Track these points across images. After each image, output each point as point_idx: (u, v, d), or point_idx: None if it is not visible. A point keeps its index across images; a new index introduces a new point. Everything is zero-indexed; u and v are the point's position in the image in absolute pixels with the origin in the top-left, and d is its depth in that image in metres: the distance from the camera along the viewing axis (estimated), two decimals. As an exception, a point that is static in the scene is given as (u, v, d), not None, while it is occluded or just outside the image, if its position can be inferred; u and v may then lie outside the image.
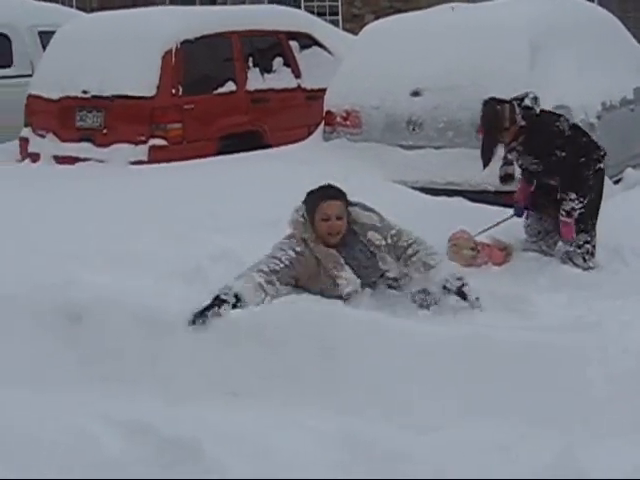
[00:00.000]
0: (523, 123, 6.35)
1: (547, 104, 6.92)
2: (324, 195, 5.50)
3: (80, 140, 10.09)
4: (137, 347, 4.84)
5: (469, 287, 5.45)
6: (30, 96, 10.67)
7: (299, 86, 10.97)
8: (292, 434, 4.12)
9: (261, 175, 8.03)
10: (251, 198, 7.29)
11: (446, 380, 4.44)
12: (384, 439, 4.05)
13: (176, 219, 6.82)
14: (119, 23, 10.61)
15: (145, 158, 9.60)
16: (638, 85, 9.63)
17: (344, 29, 17.06)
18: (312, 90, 10.81)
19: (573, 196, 6.29)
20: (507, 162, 6.57)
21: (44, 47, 11.55)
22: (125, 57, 9.90)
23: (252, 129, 10.42)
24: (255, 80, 10.53)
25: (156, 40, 9.87)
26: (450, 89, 8.41)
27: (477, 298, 5.43)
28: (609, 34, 9.79)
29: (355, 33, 12.23)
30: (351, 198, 5.60)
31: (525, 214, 6.75)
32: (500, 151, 6.51)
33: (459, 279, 5.47)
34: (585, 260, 6.40)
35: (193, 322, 4.89)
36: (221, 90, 10.22)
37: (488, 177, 8.05)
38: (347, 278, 5.40)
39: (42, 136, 10.45)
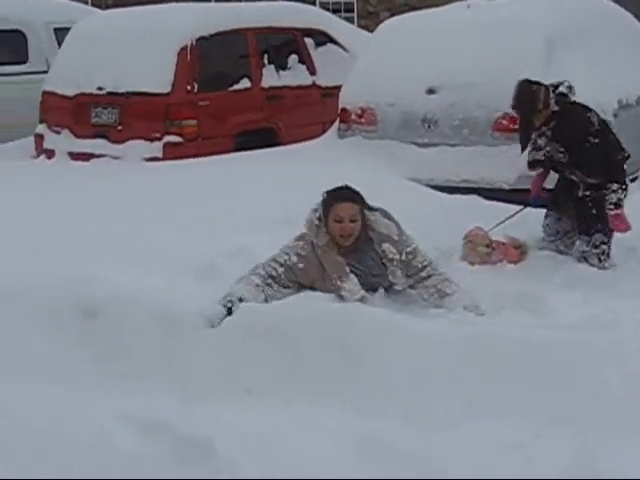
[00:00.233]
0: (556, 108, 6.32)
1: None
2: (339, 196, 5.47)
3: (95, 136, 10.11)
4: (153, 345, 4.85)
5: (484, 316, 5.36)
6: (45, 92, 10.69)
7: (314, 83, 10.96)
8: (307, 434, 4.12)
9: (276, 172, 8.02)
10: (266, 195, 7.28)
11: (462, 379, 4.43)
12: (401, 440, 4.05)
13: (191, 216, 6.82)
14: (134, 20, 10.62)
15: (160, 155, 9.60)
16: (654, 83, 9.59)
17: (359, 26, 17.05)
18: (327, 87, 10.79)
19: (615, 186, 6.24)
20: (536, 147, 6.51)
21: (59, 44, 11.56)
22: (140, 54, 9.90)
23: (267, 126, 10.41)
24: (270, 77, 10.52)
25: (171, 37, 9.88)
26: (466, 87, 8.38)
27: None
28: (625, 31, 9.74)
29: (370, 30, 12.22)
30: (372, 203, 5.56)
31: (544, 214, 6.70)
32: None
33: (477, 306, 5.41)
34: (600, 260, 6.37)
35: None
36: (236, 87, 10.21)
37: (503, 175, 8.07)
38: (350, 290, 5.34)
39: (57, 132, 10.48)
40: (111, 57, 10.08)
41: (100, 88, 10.08)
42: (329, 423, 4.21)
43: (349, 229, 5.41)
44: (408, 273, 5.52)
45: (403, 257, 5.50)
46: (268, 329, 4.78)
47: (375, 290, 5.49)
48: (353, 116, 9.07)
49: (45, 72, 11.49)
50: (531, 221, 6.80)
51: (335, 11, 19.24)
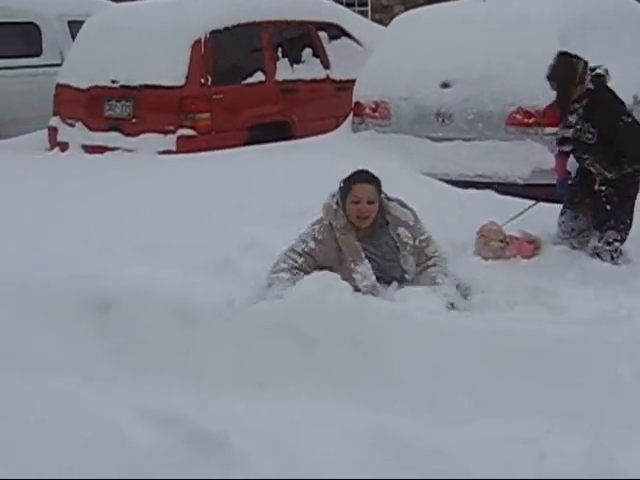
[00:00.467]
0: (591, 86, 6.29)
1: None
2: (357, 178, 5.56)
3: (109, 129, 10.13)
4: (168, 338, 4.87)
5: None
6: (59, 85, 10.70)
7: (328, 77, 10.95)
8: (319, 430, 4.14)
9: (289, 166, 8.03)
10: (279, 189, 7.29)
11: (474, 374, 4.44)
12: (412, 436, 4.06)
13: (205, 210, 6.83)
14: (148, 13, 10.62)
15: (173, 148, 9.62)
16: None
17: (373, 20, 17.03)
18: (341, 81, 10.79)
19: None
20: (566, 124, 6.47)
21: (73, 37, 11.60)
22: (154, 47, 9.90)
23: (281, 119, 10.41)
24: (284, 70, 10.52)
25: (185, 30, 9.88)
26: (480, 81, 8.36)
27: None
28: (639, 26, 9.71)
29: (384, 24, 12.20)
30: (389, 194, 5.63)
31: (560, 211, 6.66)
32: None
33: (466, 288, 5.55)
34: (613, 258, 6.31)
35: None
36: (250, 80, 10.21)
37: (517, 170, 8.05)
38: (362, 273, 5.43)
39: (71, 125, 10.49)
40: (125, 50, 10.09)
41: (114, 81, 10.09)
42: (341, 418, 4.22)
43: (366, 210, 5.48)
44: (418, 260, 5.58)
45: (417, 243, 5.58)
46: (282, 323, 4.79)
47: (388, 278, 5.54)
48: (367, 110, 9.07)
49: (59, 65, 11.51)
50: (545, 216, 6.78)
51: (349, 5, 19.21)
